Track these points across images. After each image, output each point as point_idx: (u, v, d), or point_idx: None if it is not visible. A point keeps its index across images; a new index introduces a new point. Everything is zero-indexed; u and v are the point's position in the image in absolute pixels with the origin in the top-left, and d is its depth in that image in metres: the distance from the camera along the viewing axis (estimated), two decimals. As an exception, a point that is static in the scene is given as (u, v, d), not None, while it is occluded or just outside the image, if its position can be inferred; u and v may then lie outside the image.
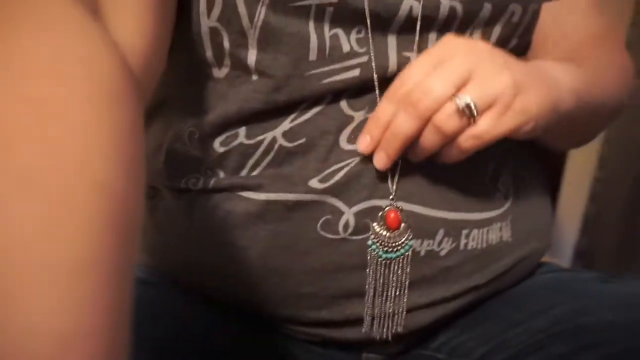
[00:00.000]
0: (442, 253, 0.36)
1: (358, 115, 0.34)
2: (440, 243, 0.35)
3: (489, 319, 0.39)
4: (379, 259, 0.34)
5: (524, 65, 0.33)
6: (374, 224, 0.34)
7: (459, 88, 0.30)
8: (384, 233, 0.34)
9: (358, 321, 0.36)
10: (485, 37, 0.36)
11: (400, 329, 0.36)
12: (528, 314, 0.38)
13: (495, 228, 0.38)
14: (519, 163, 0.41)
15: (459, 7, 0.33)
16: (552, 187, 1.00)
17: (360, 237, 0.34)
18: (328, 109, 0.34)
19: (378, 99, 0.34)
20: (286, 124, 0.34)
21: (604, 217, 1.13)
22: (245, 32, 0.32)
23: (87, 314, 0.12)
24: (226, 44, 0.33)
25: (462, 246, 0.36)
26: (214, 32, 0.33)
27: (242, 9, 0.31)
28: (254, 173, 0.34)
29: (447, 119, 0.30)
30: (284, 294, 0.35)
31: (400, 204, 0.34)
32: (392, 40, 0.33)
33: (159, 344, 0.34)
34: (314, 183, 0.34)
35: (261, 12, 0.31)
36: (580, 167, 1.14)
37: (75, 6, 0.17)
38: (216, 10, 0.32)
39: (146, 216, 0.40)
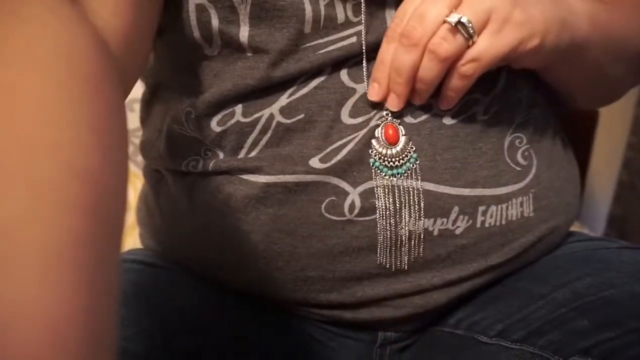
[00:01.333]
0: (458, 232, 0.34)
1: (360, 88, 0.33)
2: (455, 221, 0.34)
3: (509, 293, 0.38)
4: (385, 178, 0.33)
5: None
6: (374, 141, 0.33)
7: (452, 10, 0.29)
8: (385, 151, 0.32)
9: (371, 302, 0.35)
10: None
11: (417, 254, 0.34)
12: (550, 288, 0.36)
13: (515, 203, 0.35)
14: (541, 132, 0.38)
15: None
16: (583, 154, 0.96)
17: (368, 218, 0.33)
18: (327, 82, 0.32)
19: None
20: (283, 100, 0.32)
21: (639, 185, 1.08)
22: (236, 7, 0.31)
23: (70, 298, 0.12)
24: (215, 22, 0.31)
25: (478, 224, 0.34)
26: (201, 10, 0.31)
27: None
28: (253, 154, 0.33)
29: (441, 42, 0.29)
30: (291, 278, 0.34)
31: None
32: (390, 5, 0.32)
33: (169, 327, 0.34)
34: (315, 162, 0.32)
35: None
36: (612, 132, 1.09)
37: None
38: None
39: (152, 201, 0.40)
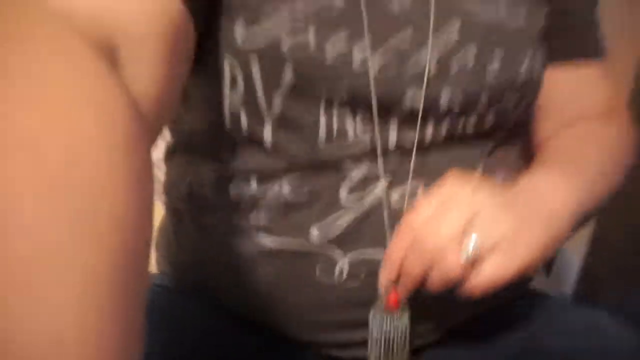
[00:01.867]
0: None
1: (357, 172, 0.37)
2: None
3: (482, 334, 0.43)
4: (380, 328, 0.37)
5: (525, 197, 0.35)
6: (377, 302, 0.37)
7: (463, 233, 0.32)
8: (384, 315, 0.37)
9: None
10: (481, 121, 0.39)
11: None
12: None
13: None
14: None
15: (457, 99, 0.37)
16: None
17: (355, 284, 0.38)
18: (331, 168, 0.37)
19: (380, 163, 0.37)
20: (292, 179, 0.37)
21: (609, 237, 1.12)
22: (262, 114, 0.36)
23: (105, 336, 0.13)
24: (243, 120, 0.37)
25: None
26: (233, 108, 0.37)
27: (260, 94, 0.35)
28: (261, 218, 0.38)
29: (452, 267, 0.32)
30: (294, 320, 0.39)
31: None
32: (393, 123, 0.37)
33: (181, 350, 0.37)
34: (314, 233, 0.37)
35: (277, 99, 0.35)
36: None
37: (95, 56, 0.19)
38: (238, 92, 0.36)
39: (172, 235, 0.45)
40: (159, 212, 0.51)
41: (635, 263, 1.10)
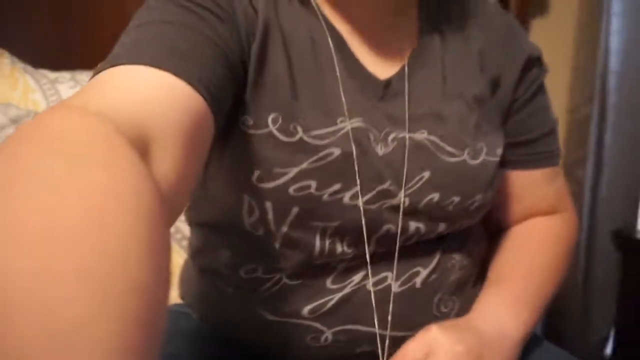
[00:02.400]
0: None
1: (341, 266, 0.49)
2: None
3: None
4: None
5: (482, 339, 0.46)
6: None
7: None
8: None
9: None
10: (440, 233, 0.51)
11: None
12: None
13: None
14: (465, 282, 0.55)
15: (421, 227, 0.49)
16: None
17: (337, 346, 0.49)
18: (321, 267, 0.48)
19: (367, 259, 0.49)
20: (290, 273, 0.48)
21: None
22: (273, 233, 0.47)
23: None
24: (258, 232, 0.47)
25: None
26: (249, 226, 0.47)
27: (271, 219, 0.46)
28: (264, 297, 0.49)
29: None
30: None
31: (379, 330, 0.49)
32: (372, 241, 0.49)
33: None
34: (305, 311, 0.48)
35: (284, 227, 0.46)
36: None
37: (129, 147, 0.23)
38: (254, 217, 0.46)
39: (194, 279, 0.57)
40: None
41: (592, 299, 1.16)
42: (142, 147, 0.28)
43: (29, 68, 0.94)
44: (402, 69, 0.51)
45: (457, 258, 0.52)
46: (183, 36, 0.39)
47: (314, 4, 0.49)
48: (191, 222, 0.56)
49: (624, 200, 1.16)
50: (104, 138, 0.24)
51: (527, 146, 0.56)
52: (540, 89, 0.57)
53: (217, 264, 0.52)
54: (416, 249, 0.50)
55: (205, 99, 0.36)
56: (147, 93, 0.33)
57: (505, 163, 0.55)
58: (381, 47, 0.51)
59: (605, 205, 1.16)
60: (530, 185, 0.58)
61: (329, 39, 0.48)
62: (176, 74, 0.35)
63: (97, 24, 1.06)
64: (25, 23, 1.07)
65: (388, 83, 0.50)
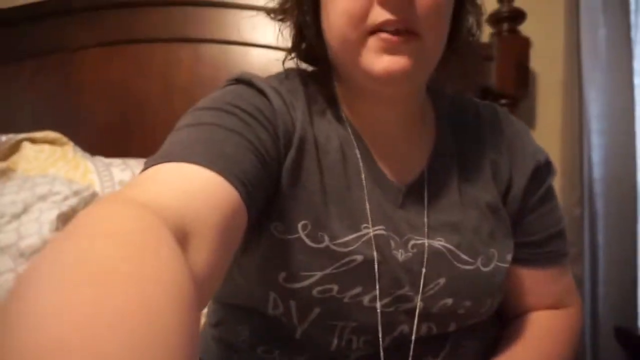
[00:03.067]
0: None
1: (357, 353, 0.51)
2: None
3: None
4: None
5: None
6: None
7: None
8: None
9: None
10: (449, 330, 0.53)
11: None
12: None
13: None
14: None
15: (433, 328, 0.52)
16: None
17: None
18: (337, 358, 0.51)
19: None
20: (307, 358, 0.51)
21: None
22: (294, 326, 0.50)
23: None
24: (282, 322, 0.51)
25: None
26: (273, 317, 0.51)
27: (294, 315, 0.49)
28: None
29: None
30: None
31: None
32: (387, 341, 0.51)
33: None
34: None
35: (305, 324, 0.49)
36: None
37: (172, 239, 0.27)
38: (278, 311, 0.50)
39: (211, 343, 0.59)
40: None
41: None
42: (182, 239, 0.31)
43: (87, 155, 1.09)
44: (422, 175, 0.55)
45: (468, 345, 0.54)
46: (230, 140, 0.42)
47: (344, 118, 0.54)
48: (214, 299, 0.59)
49: (622, 296, 1.20)
50: (151, 229, 0.26)
51: (535, 246, 0.58)
52: (548, 192, 0.59)
53: (235, 339, 0.54)
54: (428, 341, 0.52)
55: (242, 197, 0.39)
56: (193, 190, 0.36)
57: (514, 260, 0.56)
58: (402, 155, 0.55)
59: (605, 301, 1.20)
60: (537, 283, 0.59)
61: (357, 151, 0.52)
62: (221, 174, 0.38)
63: (148, 119, 1.24)
64: (85, 113, 1.25)
65: (408, 191, 0.53)
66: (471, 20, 0.54)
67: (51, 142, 1.09)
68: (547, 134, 1.33)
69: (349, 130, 0.53)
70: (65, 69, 1.28)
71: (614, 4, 1.28)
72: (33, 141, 1.07)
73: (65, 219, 0.78)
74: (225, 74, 1.21)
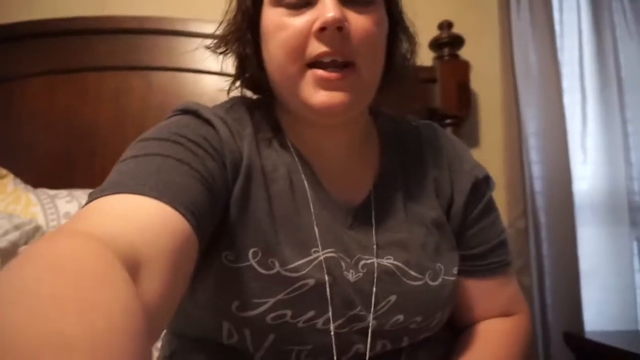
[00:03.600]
0: None
1: None
2: None
3: None
4: None
5: None
6: None
7: None
8: None
9: None
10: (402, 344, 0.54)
11: None
12: None
13: None
14: None
15: (387, 344, 0.53)
16: None
17: None
18: None
19: None
20: None
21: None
22: (250, 354, 0.50)
23: None
24: (236, 350, 0.51)
25: None
26: (231, 345, 0.50)
27: (249, 344, 0.49)
28: None
29: None
30: None
31: None
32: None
33: None
34: None
35: (260, 351, 0.49)
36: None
37: (124, 270, 0.27)
38: (233, 339, 0.49)
39: None
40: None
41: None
42: (133, 269, 0.31)
43: (29, 187, 1.04)
44: (368, 196, 0.56)
45: (422, 357, 0.55)
46: (178, 170, 0.43)
47: (290, 145, 0.55)
48: (168, 330, 0.57)
49: (569, 302, 1.26)
50: (101, 259, 0.26)
51: (477, 258, 0.60)
52: (488, 206, 0.61)
53: None
54: (383, 358, 0.53)
55: (193, 227, 0.39)
56: (143, 221, 0.36)
57: (459, 272, 0.58)
58: (348, 177, 0.57)
59: (553, 308, 1.26)
60: (482, 293, 0.61)
61: (303, 176, 0.54)
62: (170, 204, 0.38)
63: (98, 149, 1.20)
64: (28, 144, 1.20)
65: (356, 212, 0.55)
66: (405, 47, 0.57)
67: (-10, 175, 1.03)
68: (490, 151, 1.41)
69: (295, 157, 0.55)
70: (6, 99, 1.23)
71: (542, 30, 1.40)
72: (-31, 175, 1.02)
73: (4, 254, 0.74)
74: (176, 101, 1.20)
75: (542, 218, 1.31)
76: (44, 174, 1.15)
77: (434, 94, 1.31)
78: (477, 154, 1.44)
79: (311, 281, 0.49)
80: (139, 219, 0.36)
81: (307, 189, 0.53)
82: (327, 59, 0.47)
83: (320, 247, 0.51)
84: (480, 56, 1.43)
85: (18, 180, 1.05)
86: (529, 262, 1.28)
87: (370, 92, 0.53)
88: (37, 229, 0.83)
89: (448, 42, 1.32)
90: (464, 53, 1.36)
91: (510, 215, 1.33)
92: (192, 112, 0.52)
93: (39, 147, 1.20)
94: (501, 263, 0.61)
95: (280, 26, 0.49)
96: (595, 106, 1.45)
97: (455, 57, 1.34)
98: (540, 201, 1.32)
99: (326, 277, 0.49)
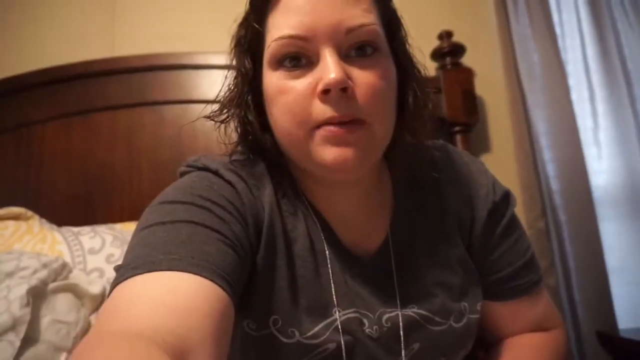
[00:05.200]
0: None
1: None
2: None
3: None
4: None
5: None
6: None
7: None
8: None
9: None
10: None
11: None
12: None
13: None
14: None
15: None
16: None
17: None
18: None
19: None
20: None
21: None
22: None
23: None
24: None
25: None
26: None
27: None
28: None
29: None
30: None
31: None
32: None
33: None
34: None
35: None
36: None
37: (165, 356, 0.28)
38: None
39: None
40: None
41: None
42: (182, 357, 0.31)
43: (54, 226, 1.07)
44: (385, 242, 0.54)
45: None
46: (208, 238, 0.42)
47: (306, 202, 0.54)
48: None
49: (598, 299, 1.24)
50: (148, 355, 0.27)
51: (503, 282, 0.58)
52: (509, 226, 0.58)
53: None
54: None
55: (230, 295, 0.39)
56: (183, 303, 0.34)
57: (485, 295, 0.57)
58: (364, 227, 0.54)
59: (582, 306, 1.23)
60: (511, 314, 0.59)
61: (321, 233, 0.52)
62: (207, 277, 0.37)
63: (115, 186, 1.23)
64: (49, 185, 1.24)
65: (374, 263, 0.53)
66: (419, 94, 0.53)
67: (15, 217, 1.06)
68: (502, 155, 1.41)
69: (312, 213, 0.53)
70: (25, 144, 1.27)
71: (542, 31, 1.41)
72: (-4, 219, 1.05)
73: (35, 292, 0.76)
74: (188, 133, 1.24)
75: (562, 216, 1.30)
76: (66, 213, 1.19)
77: (439, 103, 1.32)
78: (489, 159, 1.46)
79: (332, 345, 0.48)
80: (180, 302, 0.34)
81: (325, 247, 0.52)
82: (334, 121, 0.45)
83: (340, 308, 0.50)
84: (483, 62, 1.44)
85: (43, 220, 1.08)
86: (553, 262, 1.26)
87: (381, 147, 0.50)
88: (64, 265, 0.85)
89: (449, 51, 1.34)
90: (466, 60, 1.38)
91: (529, 216, 1.32)
92: (212, 170, 0.51)
93: (60, 188, 1.23)
94: (529, 283, 0.58)
95: (282, 90, 0.47)
96: (604, 101, 1.45)
97: (457, 65, 1.35)
98: (558, 200, 1.31)
99: (346, 339, 0.49)
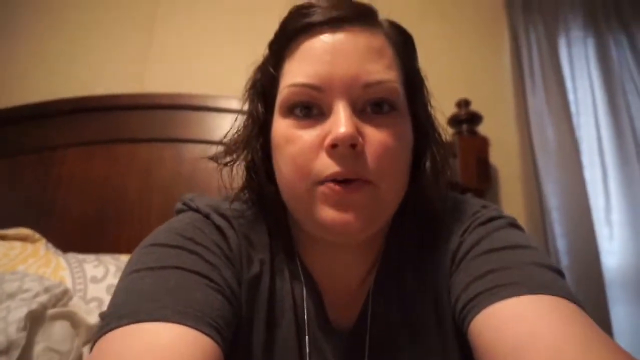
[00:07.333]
0: None
1: None
2: None
3: None
4: None
5: None
6: None
7: None
8: None
9: None
10: None
11: None
12: None
13: None
14: None
15: None
16: None
17: None
18: None
19: None
20: None
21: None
22: None
23: None
24: None
25: None
26: None
27: None
28: None
29: None
30: None
31: None
32: None
33: None
34: None
35: None
36: None
37: None
38: None
39: None
40: None
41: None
42: None
43: (60, 251, 1.06)
44: (362, 315, 0.51)
45: None
46: (197, 284, 0.41)
47: (299, 260, 0.51)
48: None
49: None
50: None
51: (461, 304, 0.48)
52: (479, 243, 0.47)
53: None
54: None
55: (218, 344, 0.38)
56: (170, 356, 0.34)
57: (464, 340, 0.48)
58: (354, 292, 0.52)
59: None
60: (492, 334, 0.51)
61: (306, 296, 0.50)
62: (195, 327, 0.36)
63: (126, 215, 1.24)
64: (62, 208, 1.24)
65: (352, 337, 0.50)
66: (438, 159, 0.50)
67: (23, 238, 1.06)
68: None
69: (302, 274, 0.51)
70: (45, 166, 1.29)
71: (557, 108, 1.45)
72: (4, 238, 1.05)
73: (34, 316, 0.75)
74: (204, 173, 1.25)
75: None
76: (74, 236, 1.19)
77: (454, 168, 1.34)
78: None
79: None
80: (164, 353, 0.34)
81: (306, 314, 0.50)
82: (339, 178, 0.43)
83: None
84: (499, 132, 1.47)
85: (50, 245, 1.08)
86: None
87: (389, 211, 0.47)
88: (65, 292, 0.84)
89: (466, 118, 1.38)
90: (482, 129, 1.41)
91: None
92: (202, 213, 0.50)
93: (72, 211, 1.24)
94: (482, 293, 0.42)
95: (289, 140, 0.45)
96: (617, 181, 1.46)
97: (474, 133, 1.39)
98: (567, 277, 1.29)
99: None
